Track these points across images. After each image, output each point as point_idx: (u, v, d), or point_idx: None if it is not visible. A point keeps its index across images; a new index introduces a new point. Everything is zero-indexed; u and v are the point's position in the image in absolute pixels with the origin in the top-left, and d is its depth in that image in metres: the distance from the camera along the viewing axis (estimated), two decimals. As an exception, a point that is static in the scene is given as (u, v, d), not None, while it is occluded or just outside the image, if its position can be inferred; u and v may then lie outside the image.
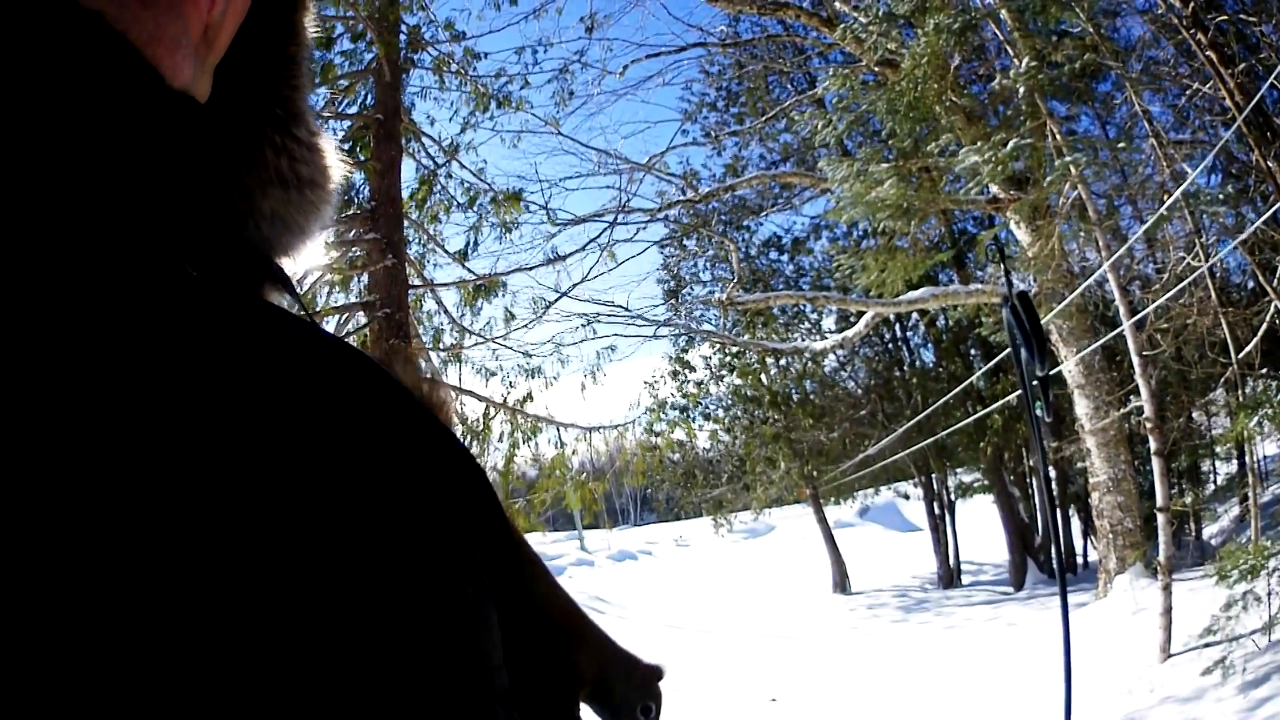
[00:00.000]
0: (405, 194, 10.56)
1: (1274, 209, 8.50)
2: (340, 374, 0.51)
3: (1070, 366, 11.86)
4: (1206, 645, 7.33)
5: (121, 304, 0.45)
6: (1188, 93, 10.55)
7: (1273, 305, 9.55)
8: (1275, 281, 9.60)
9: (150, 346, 0.44)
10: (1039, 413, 4.94)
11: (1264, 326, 9.80)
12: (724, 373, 21.41)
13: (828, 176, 11.85)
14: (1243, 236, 8.99)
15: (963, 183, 11.24)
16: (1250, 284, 12.48)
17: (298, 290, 0.66)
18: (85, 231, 0.46)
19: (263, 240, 0.67)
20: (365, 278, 8.48)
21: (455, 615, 0.49)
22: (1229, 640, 7.01)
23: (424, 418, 0.55)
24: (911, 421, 16.88)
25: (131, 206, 0.50)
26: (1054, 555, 14.52)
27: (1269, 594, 6.98)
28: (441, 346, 12.50)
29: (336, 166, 0.71)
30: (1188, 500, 10.61)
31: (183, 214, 0.55)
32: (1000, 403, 14.74)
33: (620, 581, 24.41)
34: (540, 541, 30.87)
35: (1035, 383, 4.94)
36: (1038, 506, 18.48)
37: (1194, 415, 13.46)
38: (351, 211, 8.69)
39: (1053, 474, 18.89)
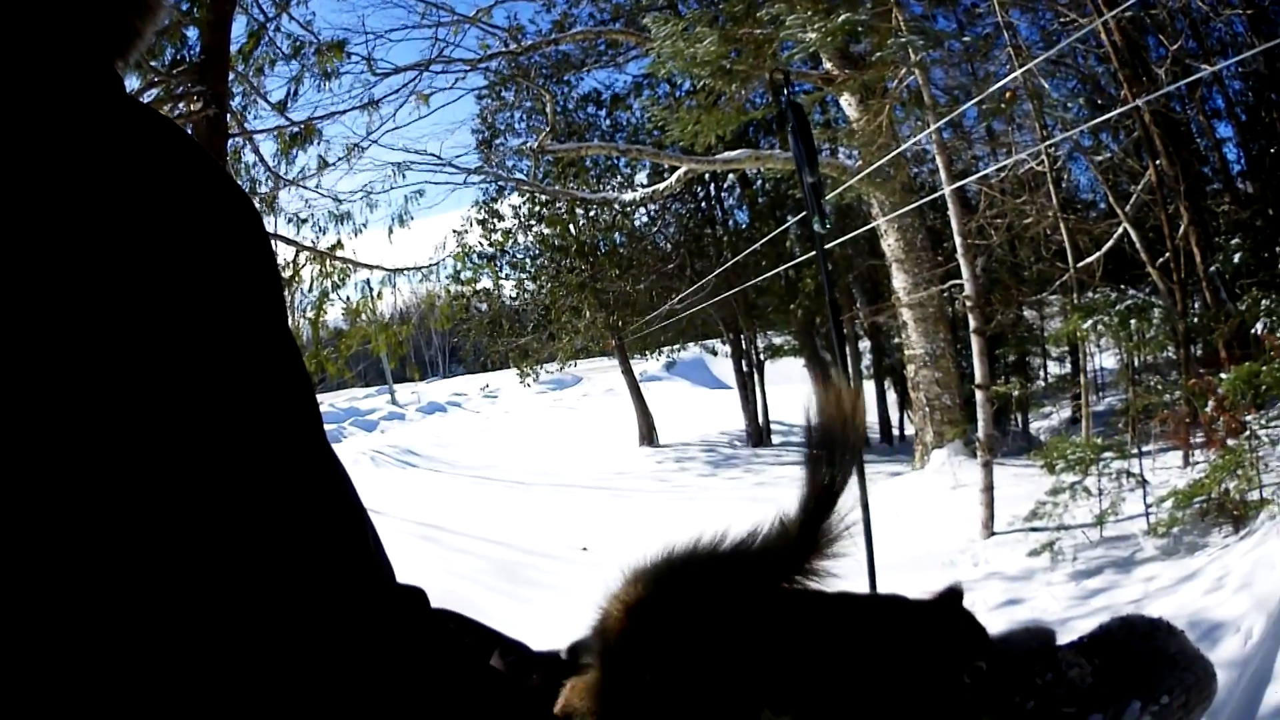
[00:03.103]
0: (234, 48, 10.34)
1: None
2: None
3: (890, 241, 12.19)
4: (1033, 529, 7.63)
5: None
6: (1061, 20, 10.80)
7: (1122, 226, 10.06)
8: (1127, 207, 10.10)
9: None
10: (817, 226, 5.28)
11: (1110, 243, 10.32)
12: (532, 222, 21.28)
13: (653, 34, 11.68)
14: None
15: (797, 56, 11.27)
16: (1102, 204, 13.12)
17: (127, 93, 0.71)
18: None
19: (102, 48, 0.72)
20: (189, 129, 8.16)
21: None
22: (1059, 528, 7.31)
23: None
24: (717, 272, 17.20)
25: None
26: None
27: (1100, 491, 7.35)
28: (257, 194, 12.35)
29: None
30: (1014, 392, 11.13)
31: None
32: (807, 256, 15.07)
33: (431, 434, 24.41)
34: (352, 397, 30.55)
35: (810, 187, 5.29)
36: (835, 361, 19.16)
37: (1025, 313, 14.10)
38: (181, 68, 8.37)
39: (867, 344, 19.65)
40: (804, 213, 9.01)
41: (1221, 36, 11.40)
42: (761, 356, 21.74)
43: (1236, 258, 9.48)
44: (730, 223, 21.39)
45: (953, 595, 0.87)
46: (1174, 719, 0.78)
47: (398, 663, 0.70)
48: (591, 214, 20.55)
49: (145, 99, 8.15)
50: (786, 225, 16.45)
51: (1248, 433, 6.73)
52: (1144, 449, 8.16)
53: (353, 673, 0.66)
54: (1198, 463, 7.98)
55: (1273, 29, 9.96)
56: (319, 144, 13.30)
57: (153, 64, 8.32)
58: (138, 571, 0.56)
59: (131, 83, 8.18)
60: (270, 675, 0.61)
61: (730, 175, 19.44)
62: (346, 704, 0.65)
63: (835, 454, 0.93)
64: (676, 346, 25.59)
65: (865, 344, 20.13)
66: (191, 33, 9.08)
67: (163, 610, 0.57)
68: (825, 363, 19.21)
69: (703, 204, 21.48)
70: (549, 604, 8.24)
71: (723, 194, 21.24)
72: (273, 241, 12.00)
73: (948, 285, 11.58)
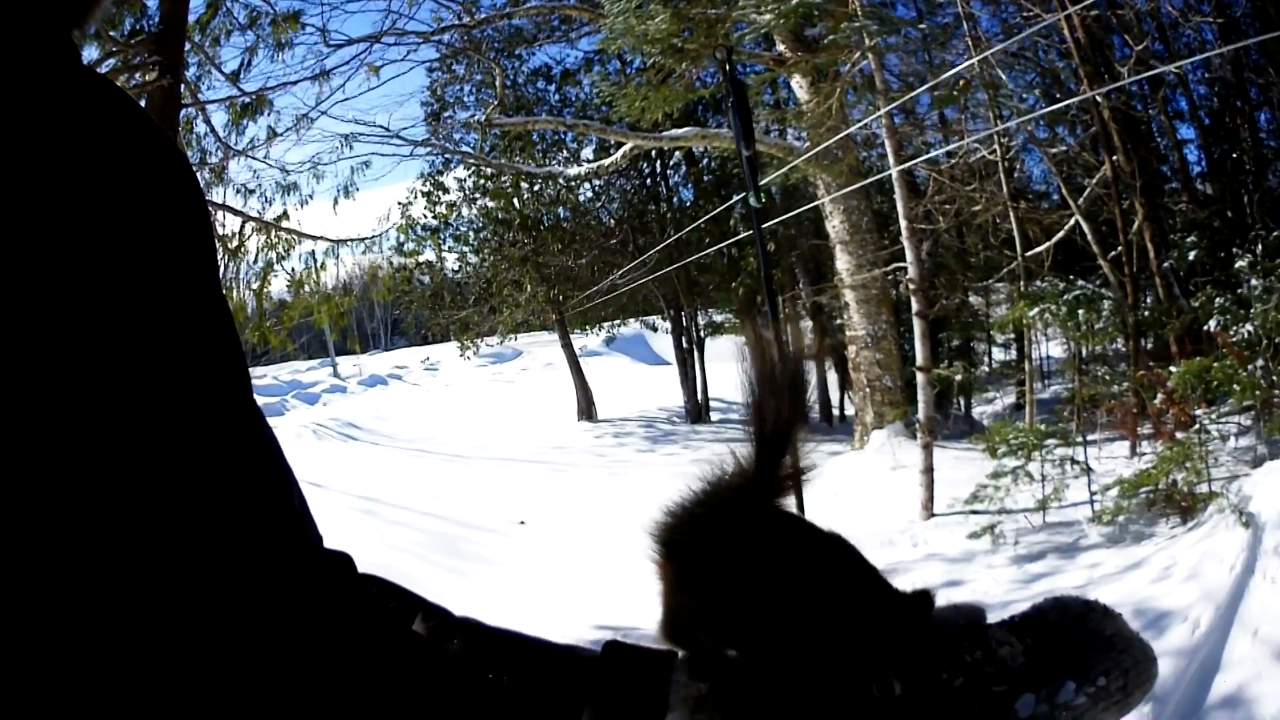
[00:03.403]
0: (192, 18, 10.40)
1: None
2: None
3: (835, 223, 12.23)
4: (974, 512, 7.62)
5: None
6: (1025, 14, 10.85)
7: (1074, 218, 10.15)
8: (1081, 200, 10.18)
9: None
10: (752, 200, 5.43)
11: (1061, 234, 10.40)
12: (477, 195, 21.16)
13: (606, 10, 11.59)
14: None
15: (749, 37, 11.27)
16: (1055, 196, 13.21)
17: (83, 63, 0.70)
18: None
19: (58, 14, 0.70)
20: (144, 100, 8.09)
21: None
22: (1000, 512, 7.33)
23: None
24: (659, 247, 17.22)
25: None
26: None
27: (1044, 477, 7.38)
28: (207, 165, 12.37)
29: None
30: (957, 376, 11.06)
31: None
32: (748, 234, 15.07)
33: (372, 407, 24.23)
34: (295, 370, 30.20)
35: (746, 160, 5.43)
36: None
37: (971, 298, 14.17)
38: (139, 38, 8.25)
39: (809, 324, 19.75)
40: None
41: (1190, 42, 11.52)
42: (702, 333, 21.81)
43: (1192, 255, 9.61)
44: (675, 200, 21.45)
45: (918, 600, 0.84)
46: (1112, 701, 0.74)
47: (318, 623, 0.69)
48: (536, 188, 20.54)
49: (103, 69, 8.02)
50: (730, 203, 16.50)
51: (1197, 426, 6.79)
52: (1089, 438, 8.18)
53: (272, 631, 0.65)
54: (1145, 454, 8.03)
55: (1243, 39, 10.04)
56: (269, 114, 13.50)
57: (111, 34, 8.21)
58: (47, 529, 0.56)
59: (90, 53, 8.09)
60: (185, 634, 0.60)
61: (676, 153, 19.46)
62: (264, 662, 0.65)
63: (776, 395, 0.87)
64: (617, 322, 25.59)
65: (807, 324, 20.25)
66: (151, 2, 9.10)
67: (77, 570, 0.56)
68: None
69: (648, 180, 21.46)
70: (486, 577, 8.22)
71: (668, 171, 21.28)
72: (219, 212, 12.02)
73: (892, 268, 11.65)
